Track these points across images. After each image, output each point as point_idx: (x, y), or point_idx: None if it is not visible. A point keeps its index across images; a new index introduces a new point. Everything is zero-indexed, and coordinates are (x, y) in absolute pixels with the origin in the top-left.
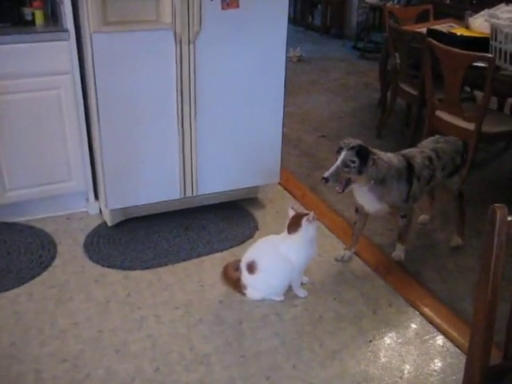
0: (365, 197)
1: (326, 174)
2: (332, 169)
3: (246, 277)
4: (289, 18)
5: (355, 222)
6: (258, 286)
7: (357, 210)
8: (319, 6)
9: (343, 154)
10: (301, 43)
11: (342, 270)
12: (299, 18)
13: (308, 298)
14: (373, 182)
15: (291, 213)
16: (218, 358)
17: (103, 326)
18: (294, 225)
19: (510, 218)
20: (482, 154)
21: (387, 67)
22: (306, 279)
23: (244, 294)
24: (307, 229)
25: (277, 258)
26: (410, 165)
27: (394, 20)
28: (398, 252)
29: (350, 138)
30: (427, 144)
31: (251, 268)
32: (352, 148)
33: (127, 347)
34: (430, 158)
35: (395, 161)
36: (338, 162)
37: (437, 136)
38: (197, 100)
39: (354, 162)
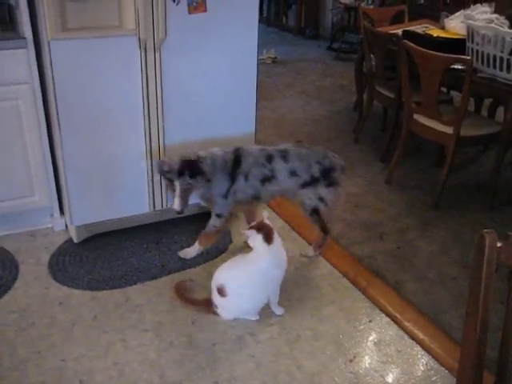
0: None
1: (179, 208)
2: (177, 201)
3: (216, 298)
4: (262, 19)
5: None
6: (229, 308)
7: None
8: (293, 7)
9: (177, 183)
10: (275, 44)
11: (320, 284)
12: (273, 19)
13: (284, 315)
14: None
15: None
16: None
17: (67, 354)
18: (270, 235)
19: (499, 244)
20: (459, 157)
21: (363, 69)
22: (280, 311)
23: (216, 314)
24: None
25: (247, 281)
26: (237, 159)
27: (368, 21)
28: (189, 249)
29: (165, 157)
30: (284, 145)
31: (221, 291)
32: (180, 172)
33: (92, 377)
34: (269, 157)
35: (220, 153)
36: (179, 193)
37: (309, 146)
38: (164, 108)
39: (192, 180)
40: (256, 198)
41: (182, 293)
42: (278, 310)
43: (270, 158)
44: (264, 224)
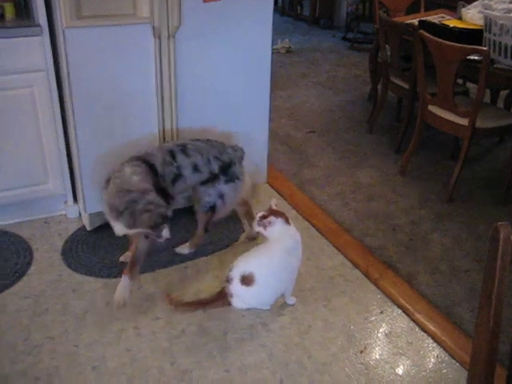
0: None
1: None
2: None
3: (235, 286)
4: (277, 9)
5: None
6: (247, 298)
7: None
8: None
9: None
10: (289, 34)
11: (332, 274)
12: (287, 9)
13: (296, 305)
14: None
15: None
16: (201, 374)
17: (80, 340)
18: (287, 218)
19: None
20: (474, 149)
21: (378, 59)
22: (293, 300)
23: (229, 304)
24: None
25: (276, 268)
26: (151, 165)
27: (384, 11)
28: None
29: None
30: (181, 140)
31: (247, 280)
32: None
33: (104, 363)
34: (171, 153)
35: (135, 179)
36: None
37: (207, 139)
38: (178, 96)
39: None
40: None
41: (186, 302)
42: (291, 300)
43: (172, 155)
44: (276, 210)
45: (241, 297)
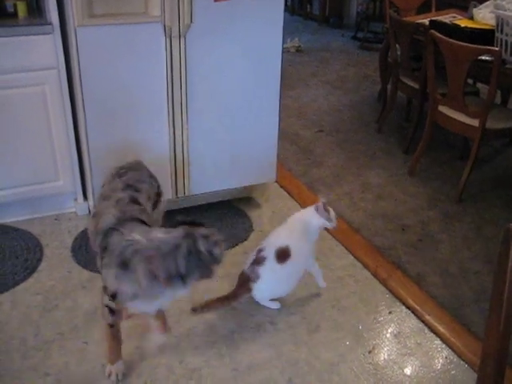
0: None
1: None
2: None
3: (268, 265)
4: (286, 7)
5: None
6: (280, 279)
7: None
8: None
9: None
10: (299, 33)
11: (341, 274)
12: (297, 7)
13: (305, 305)
14: None
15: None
16: (210, 372)
17: (89, 337)
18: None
19: None
20: (484, 150)
21: (388, 59)
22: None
23: (249, 291)
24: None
25: (306, 246)
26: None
27: (394, 10)
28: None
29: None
30: (110, 186)
31: (283, 255)
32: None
33: None
34: (133, 200)
35: (117, 239)
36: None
37: (117, 167)
38: (188, 95)
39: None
40: None
41: (204, 304)
42: (323, 283)
43: (134, 201)
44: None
45: (268, 279)
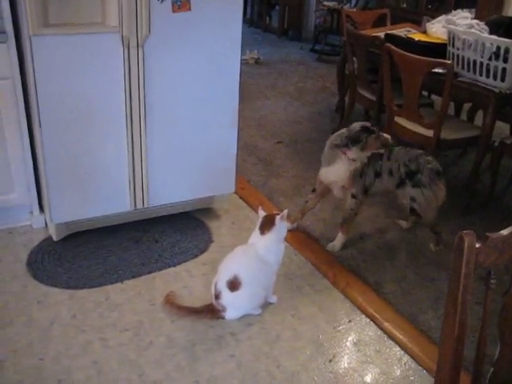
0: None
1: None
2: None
3: (225, 297)
4: (245, 20)
5: (307, 201)
6: (241, 303)
7: (314, 190)
8: (277, 8)
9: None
10: (258, 45)
11: (301, 284)
12: (256, 20)
13: (264, 315)
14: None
15: (262, 213)
16: None
17: (45, 353)
18: (267, 224)
19: (478, 245)
20: (439, 160)
21: (345, 71)
22: (275, 298)
23: (222, 318)
24: (280, 227)
25: (259, 266)
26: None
27: (351, 24)
28: (335, 242)
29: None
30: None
31: (234, 285)
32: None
33: (71, 376)
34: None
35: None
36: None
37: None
38: (146, 106)
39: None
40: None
41: (178, 305)
42: (273, 299)
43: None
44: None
45: (234, 305)
